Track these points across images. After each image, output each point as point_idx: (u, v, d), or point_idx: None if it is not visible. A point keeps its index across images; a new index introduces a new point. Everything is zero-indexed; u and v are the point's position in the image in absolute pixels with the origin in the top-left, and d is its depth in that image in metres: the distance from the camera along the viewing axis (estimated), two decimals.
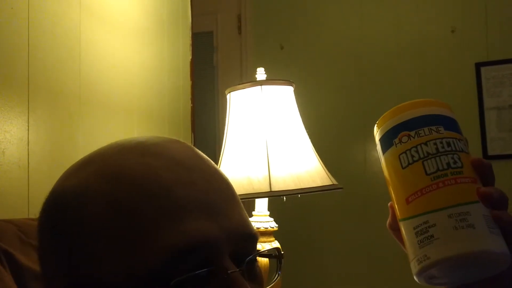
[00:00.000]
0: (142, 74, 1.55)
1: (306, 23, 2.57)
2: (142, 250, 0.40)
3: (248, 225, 0.47)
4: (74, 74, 1.24)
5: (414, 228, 0.46)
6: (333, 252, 2.46)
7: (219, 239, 0.42)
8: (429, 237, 0.45)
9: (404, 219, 0.48)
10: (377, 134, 0.53)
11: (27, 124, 1.09)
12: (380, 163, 0.53)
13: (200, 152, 0.49)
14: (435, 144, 0.48)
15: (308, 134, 1.34)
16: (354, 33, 2.48)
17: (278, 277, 0.52)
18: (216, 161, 1.34)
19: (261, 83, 1.28)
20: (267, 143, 1.23)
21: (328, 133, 2.47)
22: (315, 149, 1.33)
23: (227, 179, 0.49)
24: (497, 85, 2.21)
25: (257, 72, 1.37)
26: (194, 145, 1.87)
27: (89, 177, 0.44)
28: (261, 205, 1.32)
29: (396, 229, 0.51)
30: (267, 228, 1.28)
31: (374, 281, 2.37)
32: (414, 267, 0.46)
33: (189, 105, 1.81)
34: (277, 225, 1.31)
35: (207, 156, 0.50)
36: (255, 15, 2.62)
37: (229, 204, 0.46)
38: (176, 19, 1.77)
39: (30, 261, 0.72)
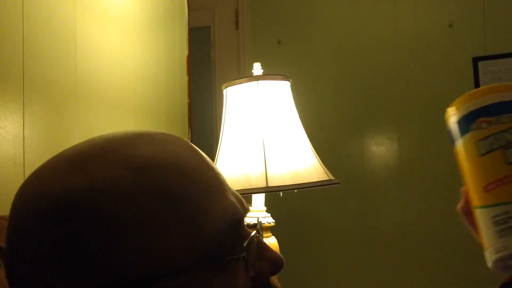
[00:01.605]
0: (139, 69, 1.54)
1: (303, 18, 2.56)
2: (194, 231, 0.42)
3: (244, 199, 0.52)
4: (69, 69, 1.23)
5: (493, 217, 0.46)
6: (331, 247, 2.46)
7: (242, 211, 0.48)
8: (509, 228, 0.45)
9: (481, 207, 0.48)
10: (451, 116, 0.52)
11: (22, 120, 1.08)
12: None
13: None
14: None
15: (306, 129, 1.34)
16: (352, 27, 2.47)
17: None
18: (213, 157, 1.34)
19: (258, 78, 1.28)
20: (264, 138, 1.23)
21: (326, 128, 2.46)
22: (312, 144, 1.33)
23: None
24: (495, 79, 2.20)
25: (253, 67, 1.37)
26: (191, 141, 1.85)
27: (106, 172, 0.41)
28: (258, 200, 1.32)
29: (468, 214, 0.51)
30: (264, 223, 1.28)
31: (373, 276, 2.37)
32: (491, 255, 0.46)
33: (186, 100, 1.81)
34: (274, 221, 1.31)
35: (204, 150, 0.52)
36: (252, 9, 2.61)
37: (228, 184, 0.50)
38: (172, 14, 1.76)
39: None
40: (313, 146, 1.33)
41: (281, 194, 1.24)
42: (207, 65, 2.67)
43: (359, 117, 2.44)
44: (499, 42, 2.22)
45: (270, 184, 1.17)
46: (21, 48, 1.08)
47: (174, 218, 0.42)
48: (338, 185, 1.27)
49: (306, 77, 2.50)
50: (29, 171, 1.07)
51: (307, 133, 1.34)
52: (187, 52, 1.81)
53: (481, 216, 0.48)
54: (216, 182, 0.46)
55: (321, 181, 1.22)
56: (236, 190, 0.51)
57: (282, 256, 0.49)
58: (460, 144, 0.51)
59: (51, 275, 0.40)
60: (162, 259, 0.41)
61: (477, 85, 2.23)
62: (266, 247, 0.49)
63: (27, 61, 1.09)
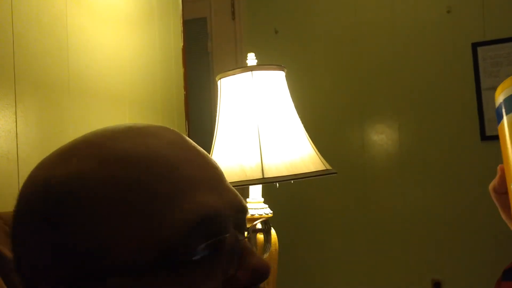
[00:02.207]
0: (133, 62, 1.53)
1: (300, 7, 2.54)
2: (156, 227, 0.40)
3: (241, 198, 0.49)
4: (62, 63, 1.22)
5: None
6: (330, 236, 2.46)
7: (224, 210, 0.44)
8: None
9: None
10: (501, 94, 0.51)
11: (14, 116, 1.07)
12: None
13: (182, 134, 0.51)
14: None
15: (304, 119, 1.33)
16: (349, 15, 2.45)
17: (269, 248, 0.55)
18: (209, 149, 1.33)
19: (252, 68, 1.27)
20: (259, 129, 1.22)
21: (325, 118, 2.45)
22: (311, 134, 1.32)
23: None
24: (494, 65, 2.18)
25: (248, 58, 1.36)
26: (188, 133, 1.84)
27: (83, 164, 0.43)
28: (255, 192, 1.31)
29: (500, 193, 0.50)
30: (261, 214, 1.27)
31: (372, 265, 2.37)
32: None
33: (182, 92, 1.80)
34: (271, 212, 1.30)
35: (202, 143, 0.52)
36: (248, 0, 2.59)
37: (223, 180, 0.48)
38: (166, 5, 1.74)
39: None
40: (312, 136, 1.32)
41: (277, 185, 1.23)
42: (204, 57, 2.65)
43: (359, 106, 2.43)
44: (498, 27, 2.19)
45: (266, 175, 1.16)
46: (11, 43, 1.07)
47: (134, 213, 0.41)
48: (337, 174, 1.26)
49: (305, 66, 2.49)
50: (22, 166, 1.07)
51: (305, 123, 1.33)
52: (182, 44, 1.80)
53: None
54: (194, 178, 0.44)
55: (318, 171, 1.21)
56: (231, 182, 0.49)
57: (267, 264, 0.44)
58: (507, 121, 0.50)
59: (34, 257, 0.43)
60: (118, 254, 0.40)
61: (476, 70, 2.21)
62: (248, 253, 0.44)
63: (18, 57, 1.08)
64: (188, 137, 0.50)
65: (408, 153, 2.35)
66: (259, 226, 0.54)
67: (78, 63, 1.28)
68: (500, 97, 0.51)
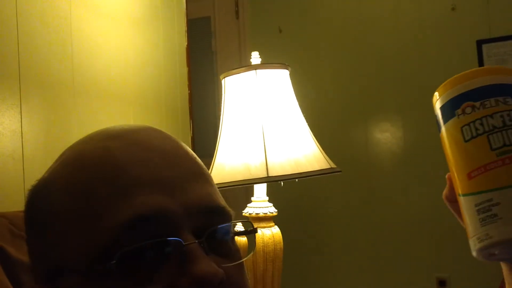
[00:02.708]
0: (137, 61, 1.53)
1: (304, 5, 2.53)
2: (95, 229, 0.40)
3: (212, 198, 0.46)
4: (66, 64, 1.23)
5: (476, 205, 0.45)
6: (335, 235, 2.46)
7: (174, 211, 0.42)
8: (492, 216, 0.43)
9: (465, 195, 0.46)
10: (437, 102, 0.50)
11: (19, 115, 1.08)
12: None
13: (168, 135, 0.49)
14: (501, 116, 0.45)
15: (309, 118, 1.32)
16: (353, 13, 2.45)
17: (253, 252, 0.53)
18: (213, 147, 1.33)
19: (256, 67, 1.27)
20: (263, 128, 1.22)
21: (330, 116, 2.45)
22: (316, 132, 1.32)
23: (194, 157, 0.49)
24: (499, 62, 2.17)
25: (251, 56, 1.36)
26: (192, 132, 1.83)
27: (56, 169, 0.46)
28: (260, 190, 1.31)
29: (452, 201, 0.50)
30: (266, 213, 1.27)
31: (377, 264, 2.37)
32: (474, 244, 0.45)
33: (186, 91, 1.80)
34: (276, 210, 1.30)
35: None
36: None
37: (190, 180, 0.45)
38: (170, 4, 1.75)
39: (21, 253, 0.72)
40: (317, 134, 1.32)
41: (282, 183, 1.23)
42: (208, 56, 2.66)
43: (363, 104, 2.42)
44: (503, 24, 2.18)
45: (270, 174, 1.16)
46: (15, 43, 1.07)
47: (78, 215, 0.42)
48: (341, 172, 1.26)
49: (309, 65, 2.48)
50: (28, 166, 1.07)
51: (309, 121, 1.32)
52: (186, 43, 1.80)
53: (465, 204, 0.47)
54: (140, 179, 0.42)
55: (322, 169, 1.21)
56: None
57: (214, 272, 0.40)
58: (445, 130, 0.49)
59: (29, 252, 0.48)
60: (64, 255, 0.42)
61: None
62: (193, 259, 0.40)
63: (22, 57, 1.09)
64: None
65: (412, 151, 2.34)
66: (238, 228, 0.52)
67: (83, 63, 1.28)
68: (436, 105, 0.50)
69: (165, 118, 1.65)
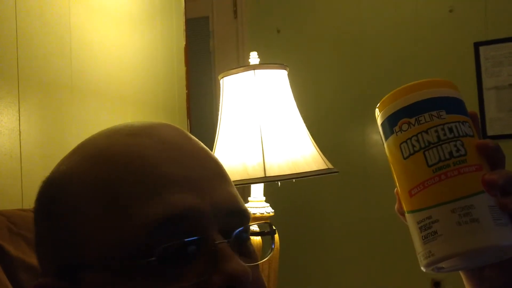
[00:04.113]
0: (135, 61, 1.53)
1: (303, 6, 2.54)
2: (125, 226, 0.40)
3: (236, 200, 0.47)
4: (65, 62, 1.23)
5: (418, 223, 0.45)
6: (331, 236, 2.46)
7: (204, 212, 0.43)
8: (432, 233, 0.44)
9: (408, 212, 0.47)
10: (378, 118, 0.51)
11: (18, 114, 1.08)
12: (381, 146, 0.51)
13: (188, 133, 0.50)
14: (436, 131, 0.45)
15: (306, 118, 1.33)
16: (351, 15, 2.45)
17: (272, 252, 0.53)
18: (211, 147, 1.34)
19: (254, 67, 1.27)
20: (261, 128, 1.22)
21: (327, 117, 2.45)
22: (313, 133, 1.32)
23: (216, 158, 0.49)
24: (496, 64, 2.18)
25: (250, 56, 1.36)
26: (190, 131, 1.84)
27: (76, 162, 0.45)
28: (257, 190, 1.31)
29: (403, 214, 0.50)
30: (263, 213, 1.27)
31: (373, 265, 2.37)
32: (420, 261, 0.46)
33: (184, 91, 1.80)
34: (273, 210, 1.30)
35: (204, 142, 0.51)
36: None
37: (216, 181, 0.46)
38: (169, 4, 1.75)
39: (20, 252, 0.72)
40: (314, 135, 1.32)
41: (279, 183, 1.24)
42: (206, 56, 2.66)
43: (360, 105, 2.43)
44: (500, 27, 2.19)
45: (268, 174, 1.16)
46: (14, 42, 1.07)
47: (108, 211, 0.41)
48: (338, 173, 1.27)
49: (307, 66, 2.49)
50: (25, 164, 1.08)
51: (307, 121, 1.33)
52: (184, 43, 1.80)
53: (409, 221, 0.47)
54: (171, 177, 0.43)
55: (320, 170, 1.21)
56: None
57: (246, 270, 0.41)
58: (386, 146, 0.49)
59: (38, 247, 0.48)
60: (90, 251, 0.41)
61: (478, 70, 2.21)
62: (225, 257, 0.41)
63: (21, 56, 1.09)
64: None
65: None
66: (255, 228, 0.53)
67: (81, 62, 1.28)
68: (378, 121, 0.51)
69: (162, 118, 1.65)
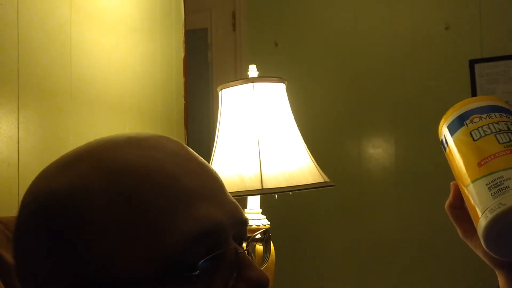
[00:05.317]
0: (134, 71, 1.54)
1: (300, 20, 2.56)
2: (157, 240, 0.40)
3: (241, 210, 0.49)
4: (65, 71, 1.23)
5: (487, 184, 0.49)
6: (327, 249, 2.46)
7: (225, 224, 0.44)
8: (504, 188, 0.48)
9: (475, 180, 0.51)
10: (445, 123, 0.57)
11: (17, 121, 1.08)
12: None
13: (184, 144, 0.51)
14: (506, 124, 0.52)
15: (303, 131, 1.34)
16: (349, 30, 2.48)
17: (268, 258, 0.57)
18: (209, 159, 1.34)
19: (253, 80, 1.28)
20: (259, 140, 1.23)
21: (323, 130, 2.47)
22: (309, 146, 1.33)
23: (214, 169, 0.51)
24: (491, 82, 2.21)
25: (249, 69, 1.37)
26: (187, 143, 1.84)
27: (85, 174, 0.43)
28: (253, 202, 1.32)
29: (457, 207, 0.55)
30: (259, 225, 1.27)
31: (368, 277, 2.37)
32: (485, 218, 0.49)
33: (182, 102, 1.81)
34: (269, 223, 1.30)
35: (200, 153, 0.52)
36: (249, 12, 2.61)
37: (224, 191, 0.48)
38: (168, 16, 1.76)
39: None
40: (310, 148, 1.33)
41: (276, 196, 1.24)
42: (204, 67, 2.67)
43: (356, 119, 2.44)
44: (496, 45, 2.22)
45: (265, 186, 1.17)
46: (15, 50, 1.08)
47: (136, 226, 0.41)
48: (334, 186, 1.27)
49: (304, 79, 2.50)
50: (23, 172, 1.08)
51: (304, 135, 1.34)
52: (183, 54, 1.82)
53: (474, 188, 0.51)
54: (196, 189, 0.44)
55: (316, 183, 1.22)
56: (230, 192, 0.49)
57: (266, 276, 0.45)
58: (453, 140, 0.55)
59: (35, 266, 0.43)
60: (119, 267, 0.40)
61: (473, 87, 2.24)
62: (247, 265, 0.44)
63: (22, 64, 1.09)
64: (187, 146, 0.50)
65: (404, 167, 2.36)
66: (258, 236, 0.56)
67: (81, 71, 1.29)
68: (443, 128, 0.58)
69: (160, 128, 1.66)
